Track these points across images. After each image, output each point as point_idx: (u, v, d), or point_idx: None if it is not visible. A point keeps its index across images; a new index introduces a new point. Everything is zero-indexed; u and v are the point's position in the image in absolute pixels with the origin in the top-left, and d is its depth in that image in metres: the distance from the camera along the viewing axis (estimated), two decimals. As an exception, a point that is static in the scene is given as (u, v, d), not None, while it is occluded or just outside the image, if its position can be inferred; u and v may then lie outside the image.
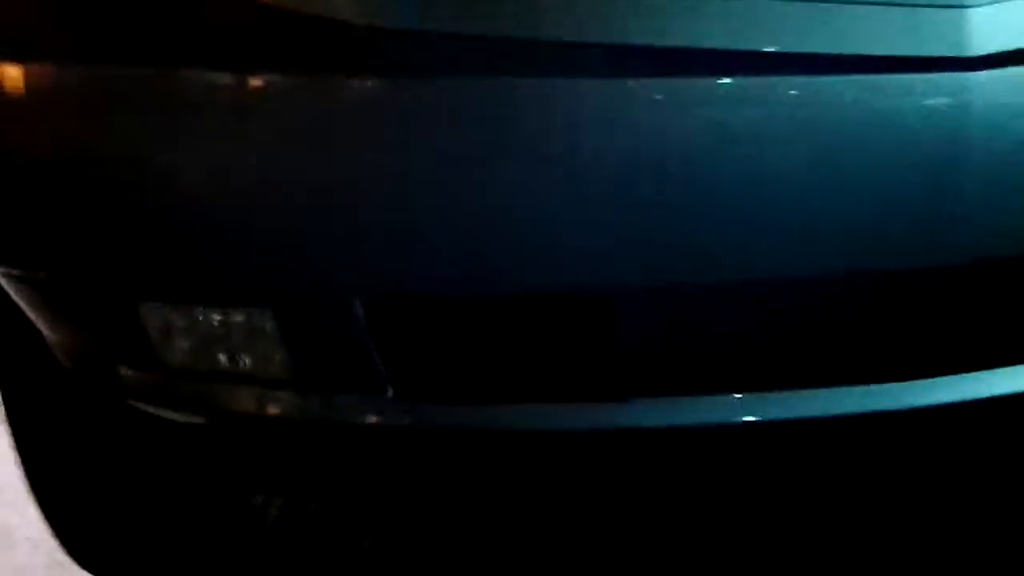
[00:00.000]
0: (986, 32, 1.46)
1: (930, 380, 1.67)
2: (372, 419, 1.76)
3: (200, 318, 1.75)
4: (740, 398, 1.66)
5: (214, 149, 1.60)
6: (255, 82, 1.55)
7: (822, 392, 1.68)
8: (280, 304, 1.68)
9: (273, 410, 1.79)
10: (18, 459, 1.96)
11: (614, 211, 1.52)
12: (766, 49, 1.47)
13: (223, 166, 1.59)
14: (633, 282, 1.55)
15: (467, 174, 1.53)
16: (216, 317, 1.74)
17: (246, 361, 1.78)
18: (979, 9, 1.47)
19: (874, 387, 1.67)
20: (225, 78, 1.56)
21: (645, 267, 1.55)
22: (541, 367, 1.67)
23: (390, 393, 1.73)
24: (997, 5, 1.47)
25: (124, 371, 1.88)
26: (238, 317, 1.73)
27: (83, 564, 1.94)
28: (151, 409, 1.91)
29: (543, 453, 1.75)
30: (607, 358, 1.64)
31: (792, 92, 1.50)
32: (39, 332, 1.88)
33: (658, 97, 1.49)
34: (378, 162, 1.54)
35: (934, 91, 1.49)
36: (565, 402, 1.68)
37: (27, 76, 1.64)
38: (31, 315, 1.85)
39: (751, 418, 1.65)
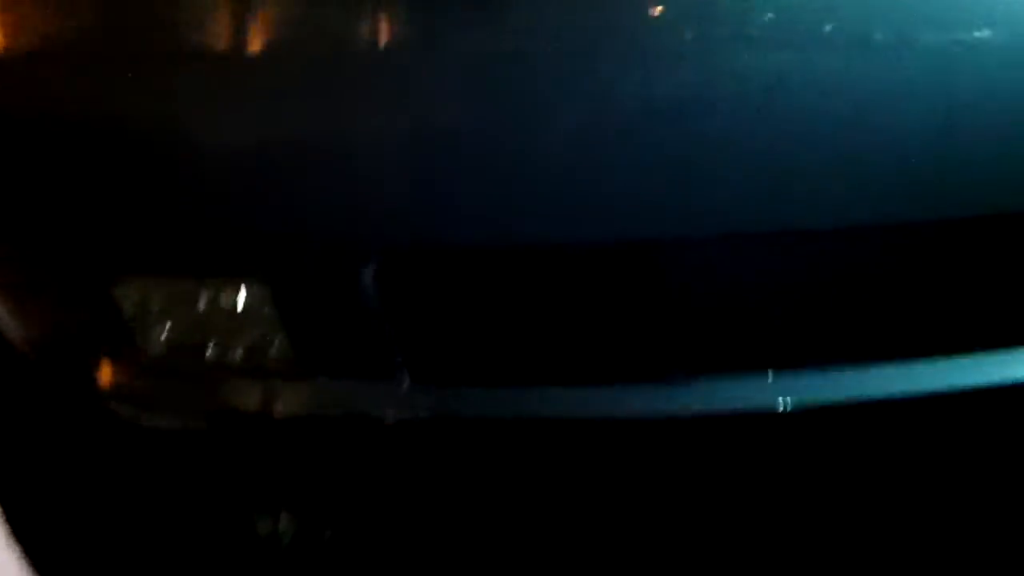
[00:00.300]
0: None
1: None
2: (387, 412, 1.50)
3: (184, 296, 1.50)
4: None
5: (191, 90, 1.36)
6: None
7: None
8: (277, 273, 1.43)
9: (270, 406, 1.54)
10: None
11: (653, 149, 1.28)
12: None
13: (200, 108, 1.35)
14: (682, 231, 1.30)
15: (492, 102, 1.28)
16: (203, 293, 1.49)
17: (239, 347, 1.53)
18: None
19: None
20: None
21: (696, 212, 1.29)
22: (585, 339, 1.41)
23: (407, 380, 1.47)
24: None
25: (100, 365, 1.63)
26: (228, 292, 1.48)
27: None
28: (130, 413, 1.65)
29: (589, 444, 1.48)
30: (657, 324, 1.39)
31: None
32: None
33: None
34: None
35: None
36: (616, 383, 1.43)
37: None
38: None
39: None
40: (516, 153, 1.29)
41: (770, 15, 1.20)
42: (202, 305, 1.51)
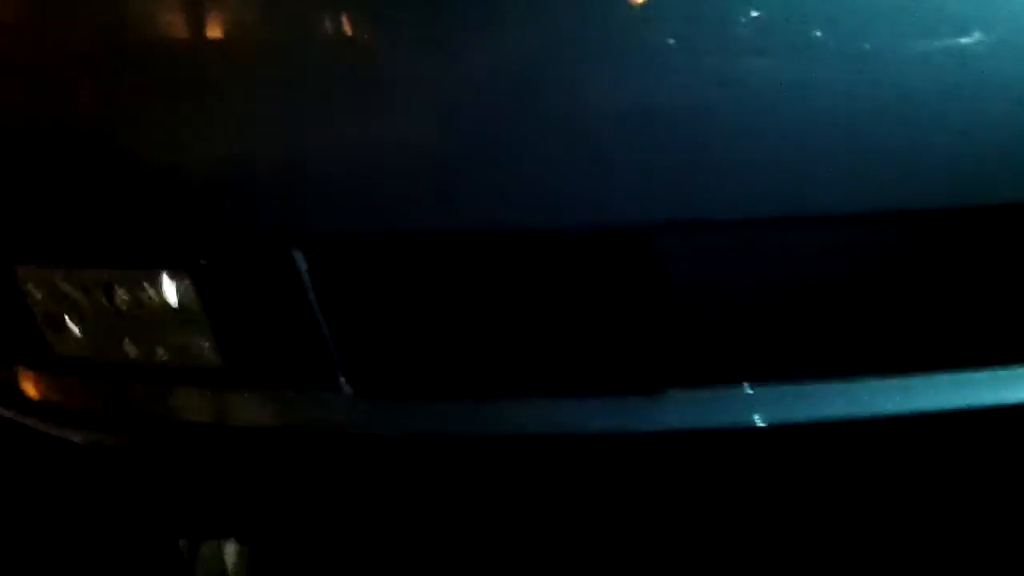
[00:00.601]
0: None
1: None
2: (323, 422, 1.31)
3: (100, 290, 1.32)
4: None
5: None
6: None
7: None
8: (201, 265, 1.25)
9: (191, 415, 1.35)
10: None
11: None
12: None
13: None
14: (662, 215, 1.12)
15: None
16: (121, 288, 1.30)
17: (161, 351, 1.34)
18: None
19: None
20: None
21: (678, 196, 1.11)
22: (553, 344, 1.23)
23: (346, 388, 1.29)
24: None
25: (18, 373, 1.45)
26: (145, 283, 1.30)
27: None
28: (41, 424, 1.46)
29: (554, 464, 1.29)
30: (639, 324, 1.20)
31: None
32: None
33: None
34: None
35: None
36: (586, 396, 1.24)
37: None
38: None
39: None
40: (472, 125, 1.12)
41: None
42: (120, 302, 1.32)
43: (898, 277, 1.17)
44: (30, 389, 1.46)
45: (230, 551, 1.81)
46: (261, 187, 1.16)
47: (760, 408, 1.23)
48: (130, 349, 1.35)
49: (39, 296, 1.34)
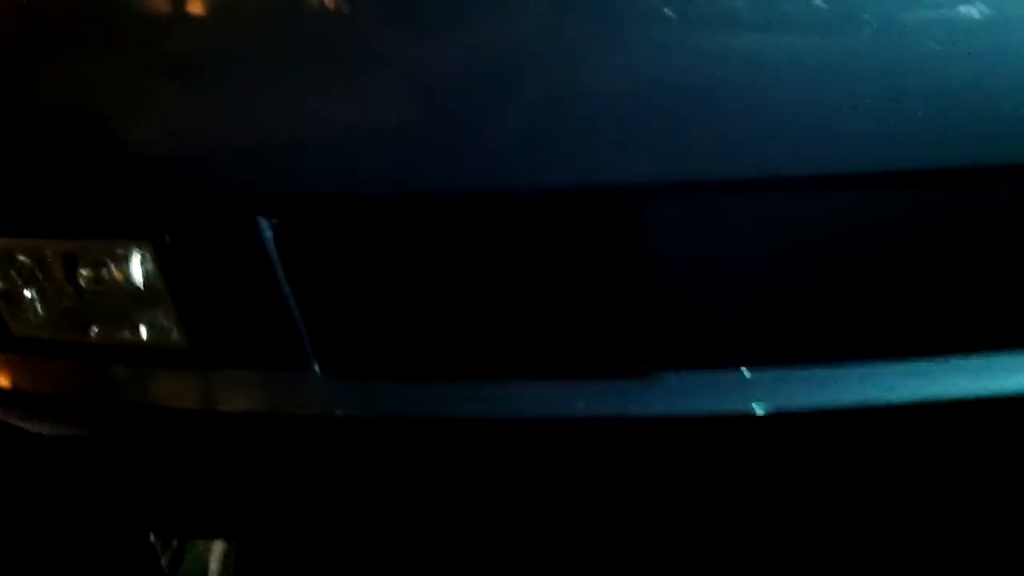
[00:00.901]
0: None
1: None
2: (291, 407, 1.23)
3: (54, 259, 1.24)
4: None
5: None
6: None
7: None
8: (160, 230, 1.17)
9: (151, 397, 1.27)
10: None
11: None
12: None
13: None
14: (650, 175, 1.03)
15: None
16: (77, 257, 1.22)
17: (119, 325, 1.26)
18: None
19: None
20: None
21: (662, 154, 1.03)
22: (535, 320, 1.14)
23: (316, 369, 1.20)
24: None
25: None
26: (105, 255, 1.22)
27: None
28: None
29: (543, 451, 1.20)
30: (621, 300, 1.11)
31: None
32: None
33: None
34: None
35: None
36: (573, 378, 1.15)
37: None
38: None
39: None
40: (447, 79, 1.04)
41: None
42: (79, 276, 1.24)
43: (910, 248, 1.08)
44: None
45: (216, 553, 1.73)
46: (222, 147, 1.09)
47: (760, 394, 1.14)
48: (89, 328, 1.27)
49: (-3, 269, 1.26)
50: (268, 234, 1.13)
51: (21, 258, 1.24)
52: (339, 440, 1.24)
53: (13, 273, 1.26)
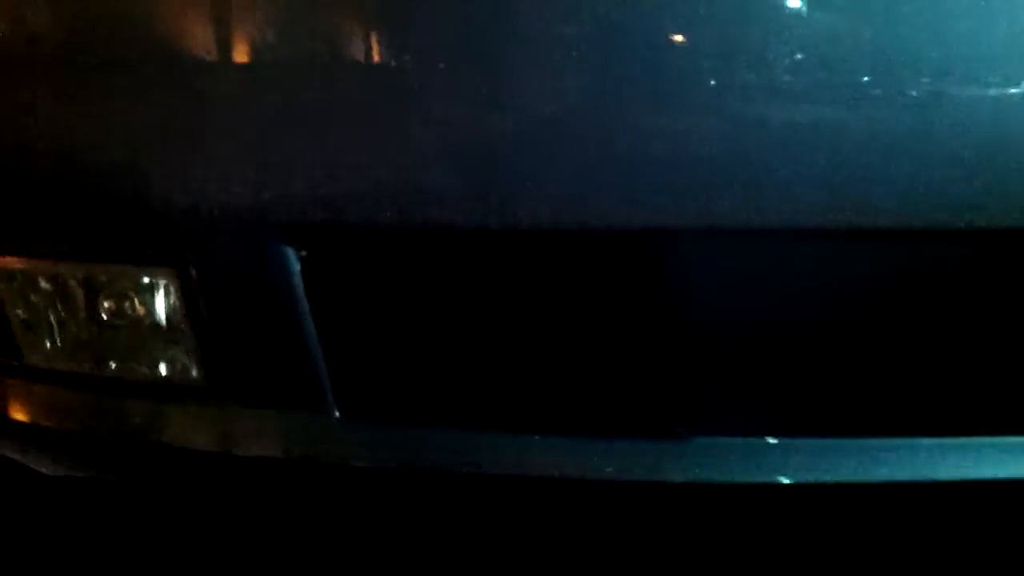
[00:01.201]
0: None
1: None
2: (306, 452, 1.18)
3: (74, 284, 1.20)
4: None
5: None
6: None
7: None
8: (184, 257, 1.13)
9: (160, 435, 1.22)
10: None
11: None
12: None
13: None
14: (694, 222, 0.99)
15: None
16: (100, 278, 1.19)
17: (138, 360, 1.22)
18: None
19: None
20: None
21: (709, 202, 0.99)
22: (567, 371, 1.09)
23: (335, 412, 1.16)
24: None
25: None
26: (127, 283, 1.18)
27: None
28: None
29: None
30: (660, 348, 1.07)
31: None
32: None
33: None
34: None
35: None
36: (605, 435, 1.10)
37: None
38: None
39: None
40: (487, 115, 1.00)
41: None
42: (99, 305, 1.21)
43: (957, 317, 1.03)
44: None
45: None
46: (251, 174, 1.05)
47: (792, 463, 1.09)
48: (106, 361, 1.23)
49: (13, 294, 1.23)
50: (296, 267, 1.09)
51: (43, 284, 1.21)
52: (354, 489, 1.19)
53: (34, 299, 1.23)
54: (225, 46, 1.06)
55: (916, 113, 0.94)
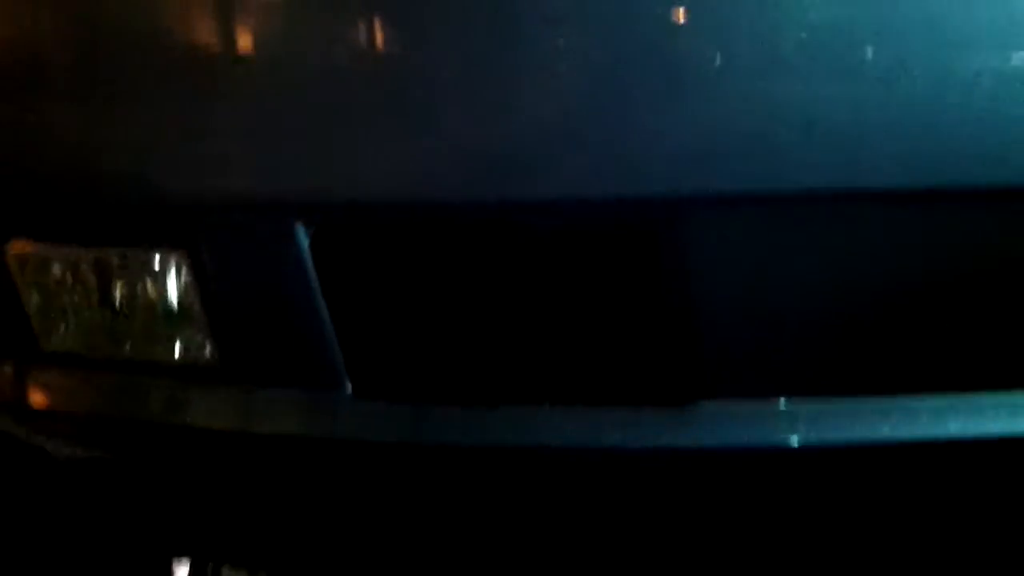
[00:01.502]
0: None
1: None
2: (319, 428, 1.20)
3: (88, 270, 1.22)
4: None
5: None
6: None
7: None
8: (194, 238, 1.15)
9: (179, 416, 1.24)
10: None
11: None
12: None
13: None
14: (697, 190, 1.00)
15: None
16: (112, 262, 1.21)
17: (152, 342, 1.24)
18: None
19: None
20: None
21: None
22: (575, 342, 1.11)
23: (348, 389, 1.17)
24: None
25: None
26: (138, 266, 1.20)
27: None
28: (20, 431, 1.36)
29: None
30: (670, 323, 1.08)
31: None
32: None
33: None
34: None
35: None
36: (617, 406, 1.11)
37: None
38: None
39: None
40: (494, 87, 1.02)
41: None
42: (113, 286, 1.23)
43: (965, 276, 1.04)
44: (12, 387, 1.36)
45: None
46: (259, 150, 1.07)
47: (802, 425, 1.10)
48: (120, 344, 1.25)
49: (27, 280, 1.25)
50: (305, 243, 1.11)
51: (56, 270, 1.23)
52: (368, 465, 1.21)
53: (48, 285, 1.25)
54: (231, 32, 1.08)
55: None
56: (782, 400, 1.09)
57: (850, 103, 0.97)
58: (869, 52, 0.97)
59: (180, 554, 1.46)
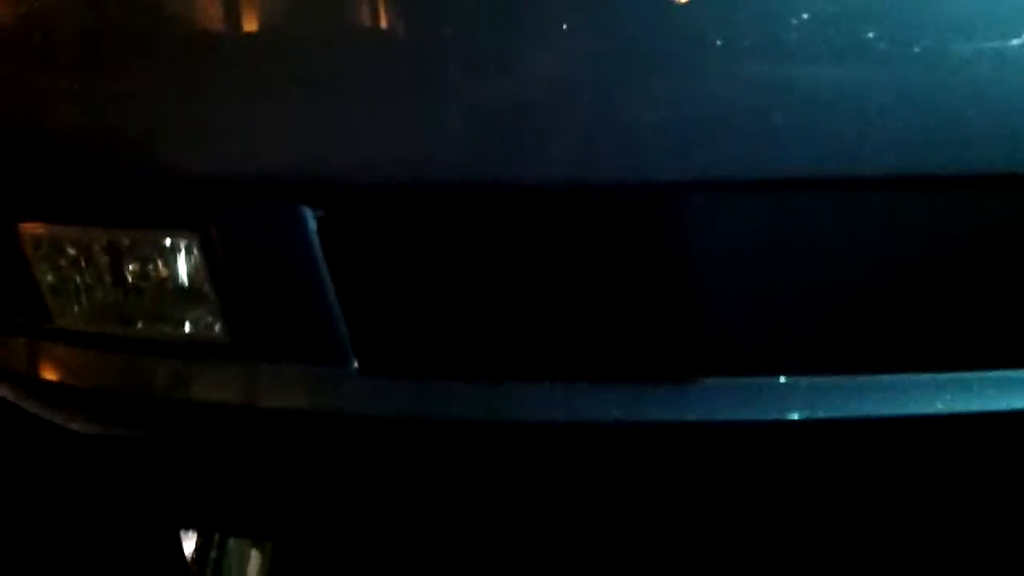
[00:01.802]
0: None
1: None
2: (326, 404, 1.22)
3: (99, 250, 1.24)
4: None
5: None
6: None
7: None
8: (204, 219, 1.17)
9: (190, 392, 1.26)
10: None
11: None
12: None
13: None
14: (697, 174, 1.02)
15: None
16: (124, 242, 1.23)
17: (163, 319, 1.26)
18: None
19: None
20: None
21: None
22: (579, 319, 1.13)
23: (354, 366, 1.20)
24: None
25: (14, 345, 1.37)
26: (149, 246, 1.22)
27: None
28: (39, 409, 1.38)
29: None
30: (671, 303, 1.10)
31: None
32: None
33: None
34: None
35: None
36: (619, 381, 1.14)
37: None
38: None
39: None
40: (498, 70, 1.04)
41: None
42: (123, 266, 1.25)
43: (963, 257, 1.06)
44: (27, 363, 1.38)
45: (253, 563, 1.72)
46: (268, 134, 1.09)
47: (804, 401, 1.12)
48: (132, 321, 1.27)
49: (41, 259, 1.27)
50: (312, 225, 1.12)
51: (69, 249, 1.25)
52: (375, 441, 1.23)
53: (62, 264, 1.27)
54: (243, 13, 1.10)
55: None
56: (783, 377, 1.11)
57: (852, 86, 0.99)
58: (871, 34, 0.98)
59: (188, 527, 1.49)
